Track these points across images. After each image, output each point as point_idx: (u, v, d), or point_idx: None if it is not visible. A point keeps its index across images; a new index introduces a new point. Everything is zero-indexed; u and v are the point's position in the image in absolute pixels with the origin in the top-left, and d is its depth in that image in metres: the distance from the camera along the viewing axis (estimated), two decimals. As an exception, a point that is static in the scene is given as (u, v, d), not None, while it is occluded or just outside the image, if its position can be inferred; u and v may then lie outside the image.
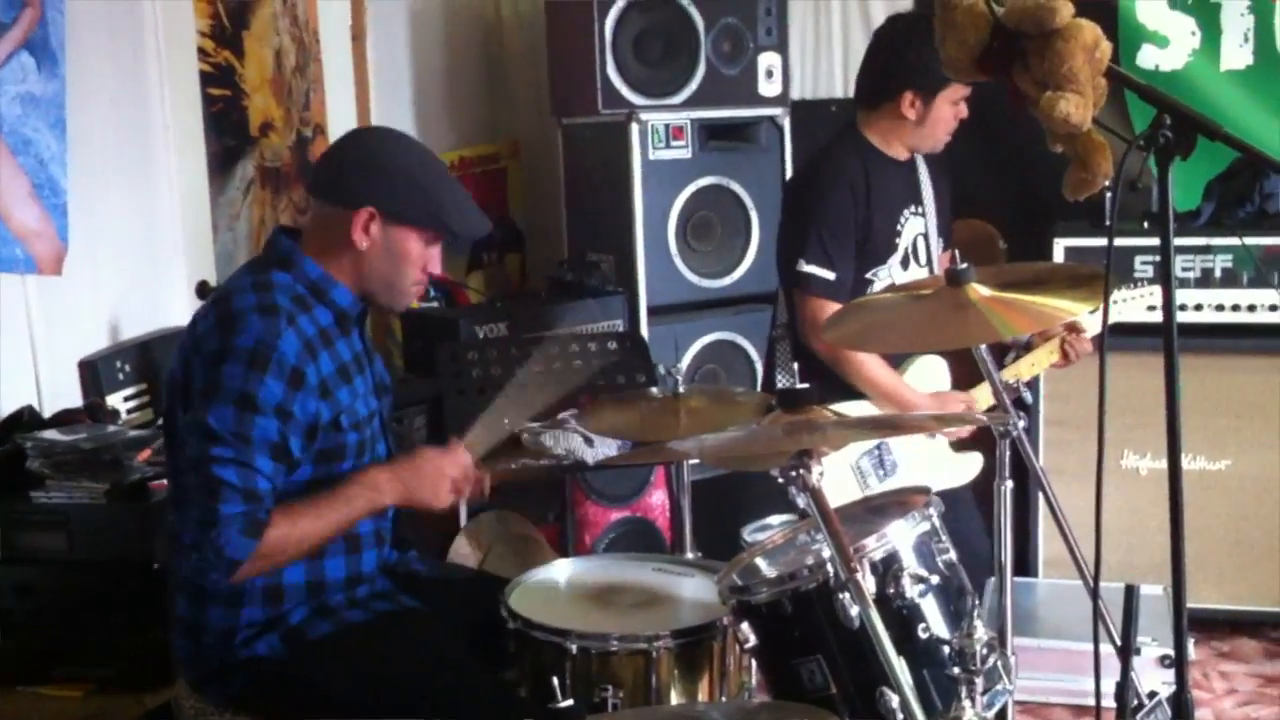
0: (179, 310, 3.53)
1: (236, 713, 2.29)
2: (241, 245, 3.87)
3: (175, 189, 3.65)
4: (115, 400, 3.20)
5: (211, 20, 3.69)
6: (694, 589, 2.49)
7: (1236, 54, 4.41)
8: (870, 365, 3.22)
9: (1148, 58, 4.45)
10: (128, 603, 2.72)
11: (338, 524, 2.25)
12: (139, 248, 3.55)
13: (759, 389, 4.12)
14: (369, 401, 2.38)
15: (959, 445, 3.39)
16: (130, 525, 2.73)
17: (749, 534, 3.33)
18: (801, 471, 1.96)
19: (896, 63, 3.27)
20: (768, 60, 4.40)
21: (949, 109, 3.26)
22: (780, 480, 2.02)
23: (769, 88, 4.42)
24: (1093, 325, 3.23)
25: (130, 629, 2.74)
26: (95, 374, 3.16)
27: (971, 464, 3.37)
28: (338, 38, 4.26)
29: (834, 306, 3.12)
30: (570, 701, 1.59)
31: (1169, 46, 4.43)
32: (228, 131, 3.78)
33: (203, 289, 3.41)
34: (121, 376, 3.23)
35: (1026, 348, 3.28)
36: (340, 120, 4.27)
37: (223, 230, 3.80)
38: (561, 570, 2.62)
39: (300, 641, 2.28)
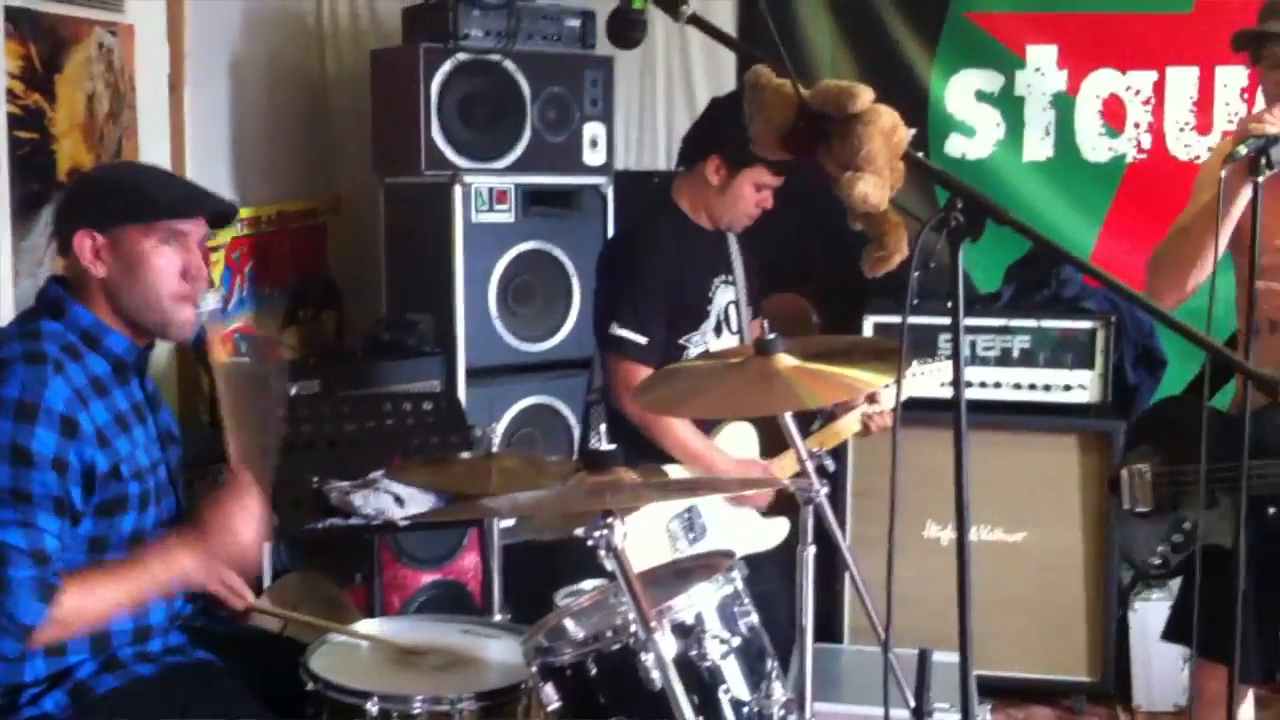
0: (-26, 358, 3.37)
1: (21, 772, 2.19)
2: (44, 293, 3.73)
3: (-25, 233, 3.51)
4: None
5: (23, 62, 3.57)
6: (500, 651, 2.48)
7: (1038, 146, 4.64)
8: (679, 429, 3.28)
9: (955, 146, 4.66)
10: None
11: (136, 592, 2.19)
12: (-65, 292, 3.41)
13: (576, 453, 4.13)
14: (151, 451, 2.32)
15: (767, 510, 3.46)
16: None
17: (561, 599, 3.31)
18: (605, 532, 1.97)
19: (712, 128, 3.40)
20: (593, 130, 4.47)
21: (750, 191, 3.35)
22: (587, 542, 2.03)
23: (593, 157, 4.48)
24: (889, 399, 3.33)
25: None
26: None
27: (778, 529, 3.44)
28: (155, 86, 4.17)
29: (645, 370, 3.18)
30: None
31: (975, 137, 4.66)
32: (33, 176, 3.65)
33: (-2, 337, 3.28)
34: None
35: (830, 418, 3.38)
36: (155, 169, 4.15)
37: (24, 277, 3.65)
38: (366, 631, 2.57)
39: (88, 697, 2.20)
